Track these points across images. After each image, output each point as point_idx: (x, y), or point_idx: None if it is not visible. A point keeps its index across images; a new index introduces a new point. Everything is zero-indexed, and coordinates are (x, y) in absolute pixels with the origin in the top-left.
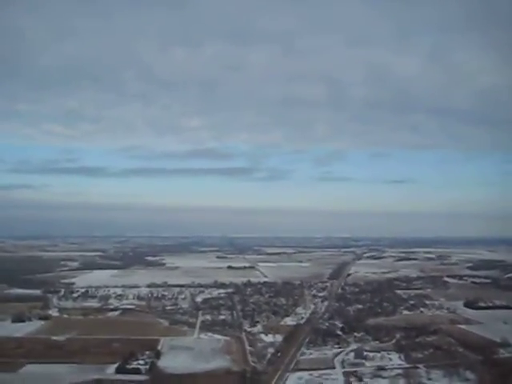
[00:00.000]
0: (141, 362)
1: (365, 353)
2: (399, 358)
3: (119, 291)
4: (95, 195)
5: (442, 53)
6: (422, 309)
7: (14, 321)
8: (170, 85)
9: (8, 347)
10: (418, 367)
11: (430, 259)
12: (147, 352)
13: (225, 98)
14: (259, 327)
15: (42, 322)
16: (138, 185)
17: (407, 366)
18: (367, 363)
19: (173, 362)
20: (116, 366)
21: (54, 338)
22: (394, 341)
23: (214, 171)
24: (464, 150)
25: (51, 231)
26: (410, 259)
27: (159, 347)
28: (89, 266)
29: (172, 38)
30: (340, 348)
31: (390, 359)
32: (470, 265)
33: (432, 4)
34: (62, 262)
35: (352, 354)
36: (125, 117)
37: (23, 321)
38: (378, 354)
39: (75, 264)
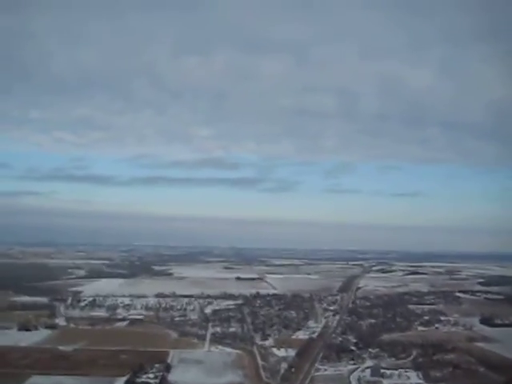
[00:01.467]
0: (150, 375)
1: (382, 370)
2: (417, 376)
3: (127, 301)
4: (102, 203)
5: (453, 65)
6: (437, 325)
7: (20, 329)
8: (180, 93)
9: (13, 357)
10: None
11: (439, 273)
12: (157, 365)
13: (235, 107)
14: (271, 341)
15: (49, 332)
16: (145, 194)
17: None
18: (385, 381)
19: (183, 376)
20: (125, 379)
21: (61, 348)
22: (410, 358)
23: (222, 181)
24: (474, 165)
25: (58, 239)
26: (420, 273)
27: (169, 360)
28: (96, 274)
29: (184, 47)
30: (355, 364)
31: (408, 377)
32: (481, 280)
33: (443, 15)
34: (69, 270)
35: (368, 371)
36: (134, 125)
37: (29, 329)
38: (396, 372)
39: (82, 272)
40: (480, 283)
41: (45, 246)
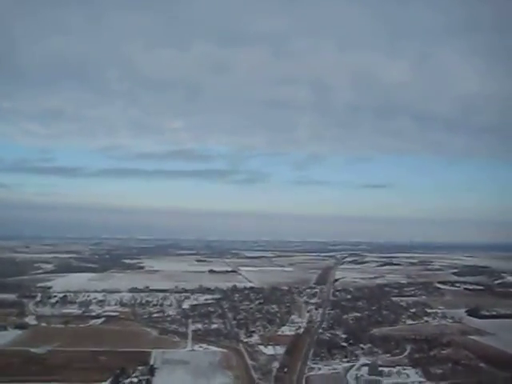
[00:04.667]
0: (134, 379)
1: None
2: (417, 373)
3: (100, 296)
4: (69, 196)
5: (425, 58)
6: (425, 318)
7: None
8: (153, 85)
9: None
10: None
11: (412, 264)
12: (139, 367)
13: (208, 99)
14: (256, 337)
15: (19, 332)
16: (114, 186)
17: (429, 383)
18: (384, 380)
19: (169, 379)
20: None
21: (33, 350)
22: (405, 354)
23: (193, 173)
24: (444, 156)
25: (23, 232)
26: (393, 264)
27: (151, 361)
28: (64, 268)
29: (158, 39)
30: (349, 362)
31: (408, 375)
32: (455, 271)
33: (417, 8)
34: (36, 265)
35: (364, 368)
36: (105, 117)
37: None
38: (394, 370)
39: (50, 266)
40: (454, 273)
41: (10, 240)
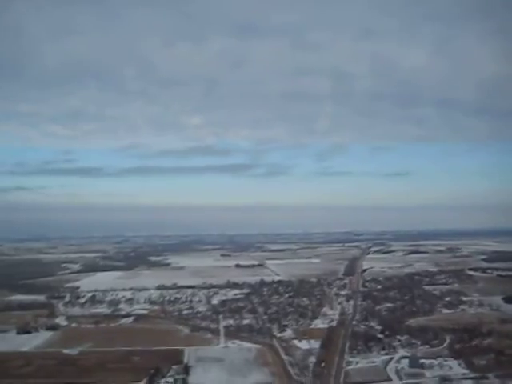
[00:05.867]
0: (169, 379)
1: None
2: (459, 365)
3: (128, 295)
4: (92, 195)
5: (445, 43)
6: (461, 306)
7: (19, 332)
8: (171, 82)
9: (14, 365)
10: (487, 377)
11: (440, 252)
12: (174, 366)
13: (227, 94)
14: (289, 332)
15: (50, 333)
16: (135, 184)
17: (474, 375)
18: (427, 373)
19: (205, 377)
20: None
21: (66, 351)
22: (445, 344)
23: (214, 168)
24: (467, 142)
25: (49, 233)
26: (420, 252)
27: (185, 359)
28: (91, 268)
29: (175, 34)
30: (387, 354)
31: (450, 367)
32: (484, 257)
33: None
34: (63, 265)
35: (404, 361)
36: (125, 115)
37: (29, 332)
38: (435, 362)
39: (76, 266)
40: (484, 260)
41: (36, 241)
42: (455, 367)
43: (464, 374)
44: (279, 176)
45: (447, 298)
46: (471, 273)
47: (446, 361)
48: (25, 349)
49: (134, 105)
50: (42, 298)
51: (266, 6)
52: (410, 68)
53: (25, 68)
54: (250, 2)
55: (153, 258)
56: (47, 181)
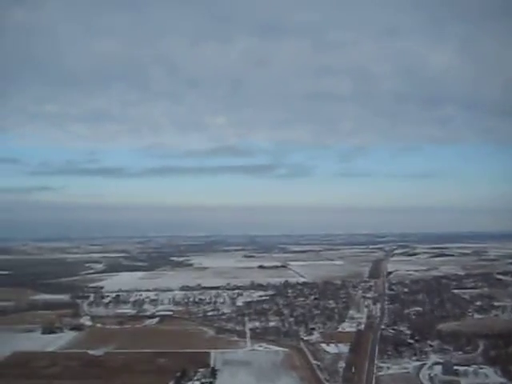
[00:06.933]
0: (196, 383)
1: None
2: (495, 373)
3: (152, 295)
4: (115, 196)
5: (469, 43)
6: (494, 311)
7: (43, 332)
8: (194, 82)
9: (40, 365)
10: None
11: (465, 255)
12: (200, 369)
13: (250, 94)
14: (317, 335)
15: (75, 333)
16: (158, 184)
17: None
18: (462, 381)
19: (232, 382)
20: None
21: (91, 352)
22: (479, 351)
23: (237, 169)
24: (493, 143)
25: (72, 233)
26: (446, 255)
27: (212, 362)
28: (114, 268)
29: (197, 35)
30: (419, 360)
31: (486, 375)
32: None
33: None
34: (87, 265)
35: (437, 367)
36: (149, 115)
37: (54, 332)
38: (470, 369)
39: (100, 266)
40: None
41: (59, 241)
42: (491, 375)
43: (502, 383)
44: (302, 177)
45: (478, 303)
46: (500, 277)
47: (481, 368)
48: (50, 349)
49: (158, 105)
50: (66, 297)
51: (289, 5)
52: (434, 68)
53: (48, 68)
54: (273, 1)
55: (175, 259)
56: (71, 181)
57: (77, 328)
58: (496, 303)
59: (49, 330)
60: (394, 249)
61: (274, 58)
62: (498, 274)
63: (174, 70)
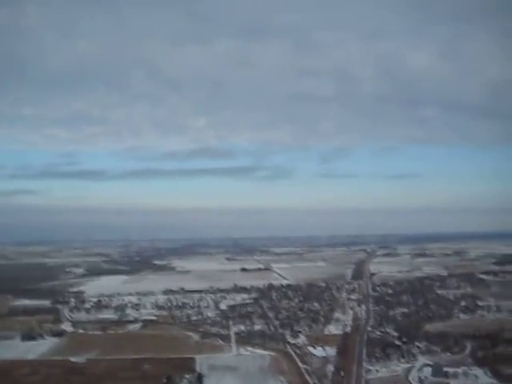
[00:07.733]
0: None
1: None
2: (485, 374)
3: (134, 300)
4: (96, 198)
5: (449, 45)
6: (479, 311)
7: (23, 338)
8: (175, 84)
9: (20, 373)
10: None
11: (447, 255)
12: (186, 375)
13: (231, 96)
14: (303, 338)
15: (56, 340)
16: (139, 187)
17: None
18: (452, 382)
19: None
20: None
21: (73, 359)
22: (467, 352)
23: (217, 171)
24: (471, 145)
25: (53, 237)
26: (427, 256)
27: (197, 368)
28: (95, 271)
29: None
30: (407, 362)
31: (476, 376)
32: (493, 260)
33: None
34: (67, 269)
35: (426, 369)
36: (129, 118)
37: (34, 338)
38: (459, 370)
39: (81, 270)
40: (494, 263)
41: (39, 245)
42: (481, 376)
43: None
44: (283, 179)
45: (463, 303)
46: (483, 276)
47: (470, 369)
48: (30, 356)
49: (139, 107)
50: (46, 303)
51: (271, 6)
52: (415, 70)
53: (27, 70)
54: (255, 2)
55: (157, 262)
56: (50, 184)
57: (58, 334)
58: (480, 303)
59: (29, 336)
60: (376, 250)
61: (256, 60)
62: (481, 273)
63: (154, 72)
